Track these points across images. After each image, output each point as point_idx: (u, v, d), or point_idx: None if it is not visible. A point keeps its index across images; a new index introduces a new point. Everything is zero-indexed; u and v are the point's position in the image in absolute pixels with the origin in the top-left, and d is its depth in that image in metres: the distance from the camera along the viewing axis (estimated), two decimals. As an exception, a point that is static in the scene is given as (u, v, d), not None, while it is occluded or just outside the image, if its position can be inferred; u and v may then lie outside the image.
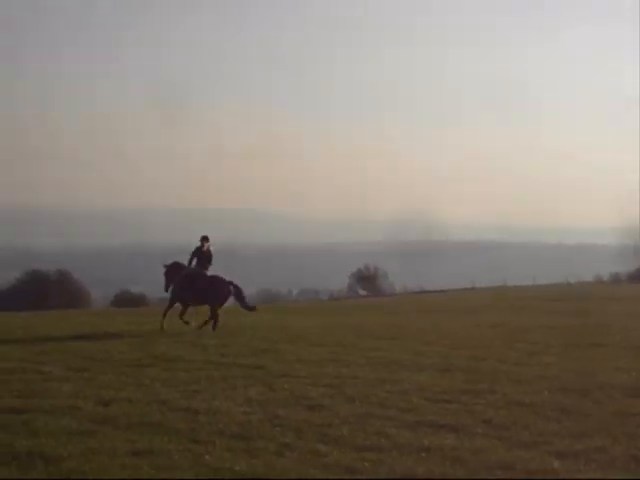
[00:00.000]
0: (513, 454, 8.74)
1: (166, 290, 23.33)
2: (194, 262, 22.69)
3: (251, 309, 23.50)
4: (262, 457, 8.52)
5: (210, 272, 22.65)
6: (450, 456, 8.63)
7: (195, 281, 22.29)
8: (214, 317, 21.94)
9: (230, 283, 22.54)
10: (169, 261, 23.46)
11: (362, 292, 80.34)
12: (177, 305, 22.94)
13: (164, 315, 22.24)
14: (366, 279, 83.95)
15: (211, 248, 22.80)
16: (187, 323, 22.09)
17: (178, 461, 8.33)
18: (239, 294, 22.82)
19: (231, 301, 23.31)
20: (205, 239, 22.71)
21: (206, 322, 21.98)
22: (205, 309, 22.47)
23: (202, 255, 22.62)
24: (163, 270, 23.23)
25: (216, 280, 22.49)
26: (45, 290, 68.65)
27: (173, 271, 23.00)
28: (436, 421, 10.26)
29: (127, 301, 63.93)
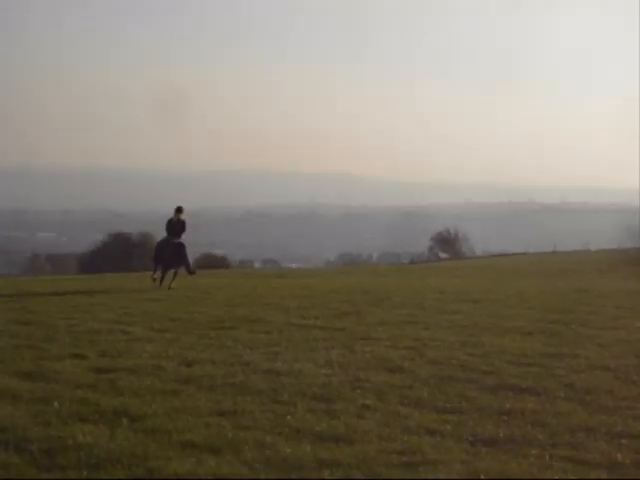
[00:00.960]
0: (595, 418, 8.64)
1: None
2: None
3: (191, 272, 25.08)
4: (343, 418, 8.55)
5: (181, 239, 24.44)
6: (531, 419, 8.58)
7: (164, 249, 24.15)
8: (174, 276, 23.99)
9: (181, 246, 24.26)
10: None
11: (443, 255, 79.98)
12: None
13: (152, 277, 24.26)
14: (447, 242, 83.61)
15: (184, 218, 24.49)
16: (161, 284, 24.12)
17: (260, 421, 8.42)
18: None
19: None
20: (179, 210, 24.46)
21: (171, 281, 23.92)
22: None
23: (175, 225, 24.33)
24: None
25: (179, 247, 24.13)
26: (128, 252, 69.83)
27: None
28: (518, 384, 10.18)
29: (209, 263, 64.44)
